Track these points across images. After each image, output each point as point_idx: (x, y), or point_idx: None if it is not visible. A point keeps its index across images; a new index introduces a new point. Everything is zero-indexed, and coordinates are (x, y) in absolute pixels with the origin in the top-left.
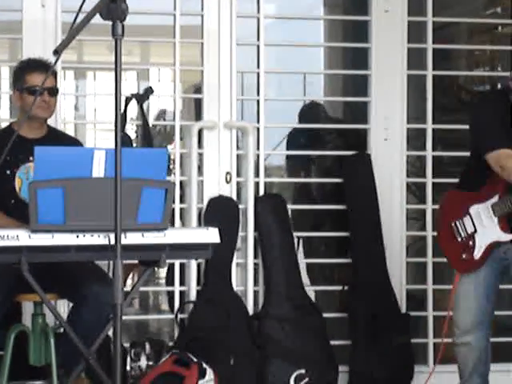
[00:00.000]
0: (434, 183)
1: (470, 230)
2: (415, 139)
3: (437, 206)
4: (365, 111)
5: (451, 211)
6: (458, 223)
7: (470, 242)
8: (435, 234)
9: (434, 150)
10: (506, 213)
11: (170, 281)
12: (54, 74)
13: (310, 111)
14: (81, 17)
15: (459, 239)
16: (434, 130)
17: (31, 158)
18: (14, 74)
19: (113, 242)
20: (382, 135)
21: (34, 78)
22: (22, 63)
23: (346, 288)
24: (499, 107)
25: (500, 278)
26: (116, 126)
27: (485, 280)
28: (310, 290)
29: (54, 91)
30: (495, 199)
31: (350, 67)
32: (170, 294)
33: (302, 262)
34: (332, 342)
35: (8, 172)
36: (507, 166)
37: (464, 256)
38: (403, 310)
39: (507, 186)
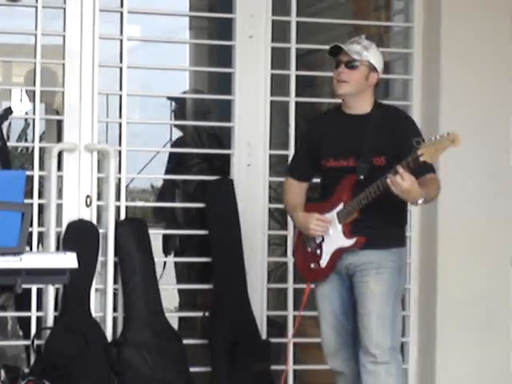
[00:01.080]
0: None
1: (319, 239)
2: (278, 165)
3: None
4: (228, 136)
5: None
6: (308, 235)
7: (318, 251)
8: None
9: None
10: (348, 218)
11: (23, 304)
12: None
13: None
14: None
15: (309, 249)
16: None
17: None
18: None
19: None
20: (245, 161)
21: None
22: None
23: (207, 314)
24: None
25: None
26: None
27: (333, 295)
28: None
29: None
30: (340, 207)
31: (216, 91)
32: (24, 320)
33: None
34: (193, 369)
35: None
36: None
37: (312, 265)
38: (264, 336)
39: (351, 194)
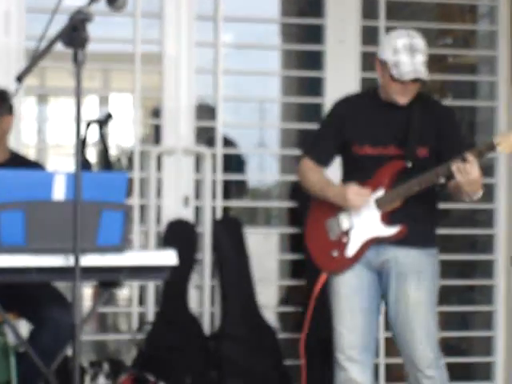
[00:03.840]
0: None
1: (346, 226)
2: None
3: None
4: None
5: (325, 209)
6: (332, 220)
7: (344, 239)
8: None
9: None
10: (389, 205)
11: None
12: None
13: None
14: (43, 43)
15: (332, 237)
16: None
17: None
18: None
19: (72, 263)
20: (337, 161)
21: None
22: None
23: (301, 309)
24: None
25: (380, 293)
26: (77, 150)
27: (363, 289)
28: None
29: (6, 127)
30: (381, 192)
31: (306, 95)
32: None
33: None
34: (287, 362)
35: None
36: (307, 179)
37: (335, 254)
38: None
39: (393, 180)
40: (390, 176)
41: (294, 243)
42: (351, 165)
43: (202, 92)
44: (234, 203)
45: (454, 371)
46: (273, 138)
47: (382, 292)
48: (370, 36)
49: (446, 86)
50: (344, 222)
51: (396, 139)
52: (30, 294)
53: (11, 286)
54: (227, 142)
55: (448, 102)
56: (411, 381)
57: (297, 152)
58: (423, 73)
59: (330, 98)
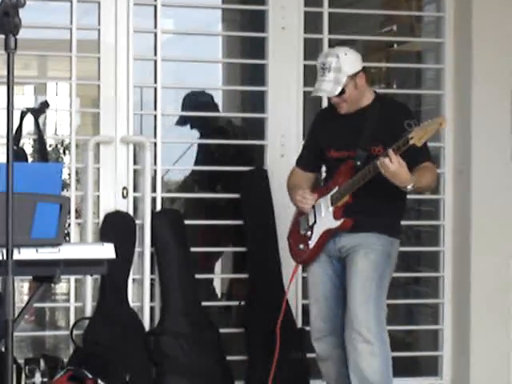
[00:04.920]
0: None
1: (311, 221)
2: None
3: None
4: (262, 127)
5: None
6: (303, 217)
7: (309, 233)
8: None
9: None
10: (339, 201)
11: None
12: None
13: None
14: None
15: (302, 232)
16: None
17: None
18: None
19: (5, 257)
20: (279, 151)
21: None
22: None
23: (242, 303)
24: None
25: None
26: (8, 140)
27: (325, 279)
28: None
29: None
30: (335, 190)
31: (248, 83)
32: None
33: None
34: (229, 358)
35: None
36: (288, 184)
37: (301, 246)
38: (299, 324)
39: (347, 178)
40: (343, 176)
41: (236, 236)
42: (327, 167)
43: (141, 80)
44: (175, 195)
45: (399, 366)
46: None
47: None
48: (312, 23)
49: (391, 74)
50: (310, 218)
51: (353, 142)
52: None
53: None
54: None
55: (393, 90)
56: (348, 348)
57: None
58: (327, 90)
59: (272, 85)
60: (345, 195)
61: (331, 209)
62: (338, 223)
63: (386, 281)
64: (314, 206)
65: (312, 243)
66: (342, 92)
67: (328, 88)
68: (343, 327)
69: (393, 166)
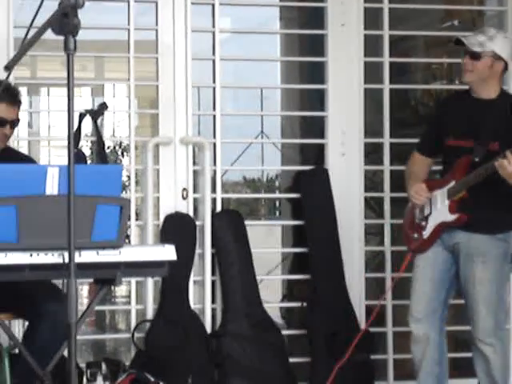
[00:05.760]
0: (391, 197)
1: (427, 212)
2: (373, 153)
3: (395, 221)
4: (322, 126)
5: None
6: (418, 208)
7: (423, 223)
8: (393, 248)
9: (391, 164)
10: (456, 195)
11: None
12: (19, 105)
13: None
14: (33, 32)
15: (416, 221)
16: (391, 144)
17: None
18: None
19: (67, 260)
20: (340, 150)
21: (0, 109)
22: None
23: (304, 304)
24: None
25: (454, 273)
26: (69, 142)
27: (436, 262)
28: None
29: (16, 123)
30: (451, 184)
31: (307, 81)
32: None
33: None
34: (291, 360)
35: None
36: (407, 169)
37: (415, 235)
38: (362, 326)
39: (464, 173)
40: (461, 170)
41: (298, 236)
42: (444, 156)
43: (198, 80)
44: (235, 195)
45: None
46: (274, 127)
47: (456, 270)
48: (372, 19)
49: (453, 70)
50: (426, 209)
51: (473, 133)
52: (26, 292)
53: (4, 285)
54: None
55: (455, 86)
56: (474, 349)
57: (298, 141)
58: (470, 41)
59: (332, 83)
60: (461, 190)
61: (447, 202)
62: (453, 217)
63: (506, 278)
64: (430, 198)
65: (426, 234)
66: (478, 56)
67: (472, 41)
68: (442, 311)
69: (510, 167)
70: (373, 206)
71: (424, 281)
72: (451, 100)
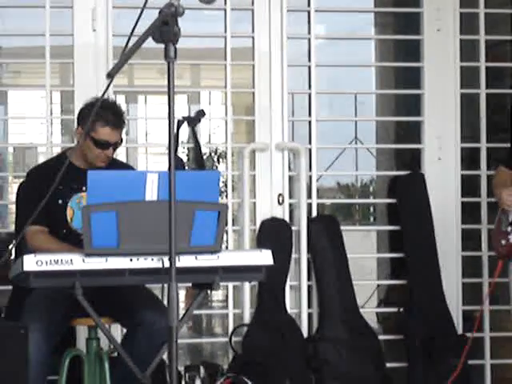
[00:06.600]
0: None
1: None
2: (469, 158)
3: (492, 226)
4: (417, 131)
5: None
6: (504, 214)
7: (509, 228)
8: (491, 253)
9: (488, 168)
10: None
11: None
12: (123, 126)
13: None
14: (132, 40)
15: (503, 228)
16: (488, 148)
17: (84, 188)
18: (85, 112)
19: (167, 265)
20: (436, 154)
21: (105, 132)
22: (98, 108)
23: (401, 310)
24: None
25: None
26: (169, 149)
27: None
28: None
29: (119, 145)
30: None
31: (402, 87)
32: None
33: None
34: (388, 365)
35: (60, 201)
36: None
37: (503, 242)
38: (460, 331)
39: None
40: None
41: (393, 241)
42: None
43: (295, 86)
44: (330, 201)
45: None
46: (367, 133)
47: None
48: (468, 24)
49: None
50: (510, 215)
51: None
52: (125, 299)
53: (105, 290)
54: None
55: None
56: None
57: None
58: None
59: (428, 88)
60: None
61: None
62: None
63: None
64: None
65: None
66: None
67: None
68: None
69: None
70: (469, 212)
71: None
72: None
